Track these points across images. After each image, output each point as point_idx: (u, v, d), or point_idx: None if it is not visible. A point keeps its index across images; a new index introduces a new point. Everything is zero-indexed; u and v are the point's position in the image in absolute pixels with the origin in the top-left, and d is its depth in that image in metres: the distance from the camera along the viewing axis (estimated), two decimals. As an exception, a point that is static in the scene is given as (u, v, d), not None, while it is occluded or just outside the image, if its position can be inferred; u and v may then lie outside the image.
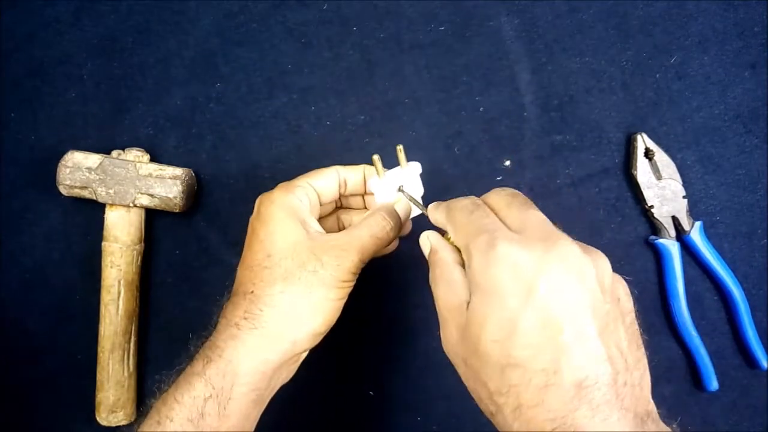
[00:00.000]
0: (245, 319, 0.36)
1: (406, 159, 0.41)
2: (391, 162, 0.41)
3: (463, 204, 0.34)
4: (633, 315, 0.30)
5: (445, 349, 0.33)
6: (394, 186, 0.42)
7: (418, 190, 0.43)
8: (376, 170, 0.41)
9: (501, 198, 0.33)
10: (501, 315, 0.28)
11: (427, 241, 0.36)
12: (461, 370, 0.32)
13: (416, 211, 0.43)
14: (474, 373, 0.30)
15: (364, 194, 0.45)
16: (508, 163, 0.51)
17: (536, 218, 0.31)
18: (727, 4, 0.51)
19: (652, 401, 0.29)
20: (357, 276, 0.39)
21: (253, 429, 0.38)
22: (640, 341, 0.30)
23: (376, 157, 0.39)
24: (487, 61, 0.51)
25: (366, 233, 0.39)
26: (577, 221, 0.51)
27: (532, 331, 0.27)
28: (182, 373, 0.37)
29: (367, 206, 0.46)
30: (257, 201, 0.41)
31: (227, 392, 0.35)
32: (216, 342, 0.37)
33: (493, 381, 0.29)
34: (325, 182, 0.42)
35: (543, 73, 0.51)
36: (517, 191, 0.34)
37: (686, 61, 0.51)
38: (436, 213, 0.36)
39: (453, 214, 0.34)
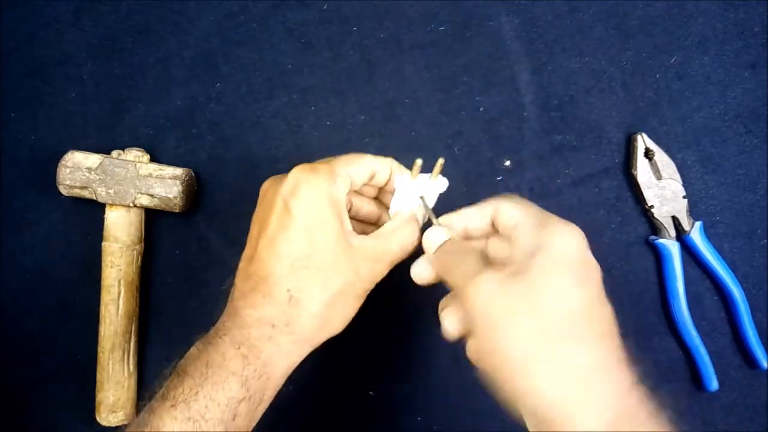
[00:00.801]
0: (284, 322, 0.35)
1: (441, 173, 0.40)
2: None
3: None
4: None
5: (478, 312, 0.33)
6: (417, 192, 0.41)
7: (432, 205, 0.42)
8: (412, 172, 0.40)
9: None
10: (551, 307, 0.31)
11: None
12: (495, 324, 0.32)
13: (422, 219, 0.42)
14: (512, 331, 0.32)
15: (382, 187, 0.43)
16: (508, 163, 0.51)
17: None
18: (727, 4, 0.51)
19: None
20: None
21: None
22: None
23: (419, 162, 0.39)
24: (487, 61, 0.51)
25: (397, 246, 0.38)
26: (577, 221, 0.51)
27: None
28: (212, 366, 0.34)
29: (379, 197, 0.44)
30: (293, 176, 0.37)
31: (260, 395, 0.35)
32: (250, 339, 0.35)
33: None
34: (360, 172, 0.39)
35: (543, 73, 0.51)
36: None
37: (686, 61, 0.51)
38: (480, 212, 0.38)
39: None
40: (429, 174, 0.40)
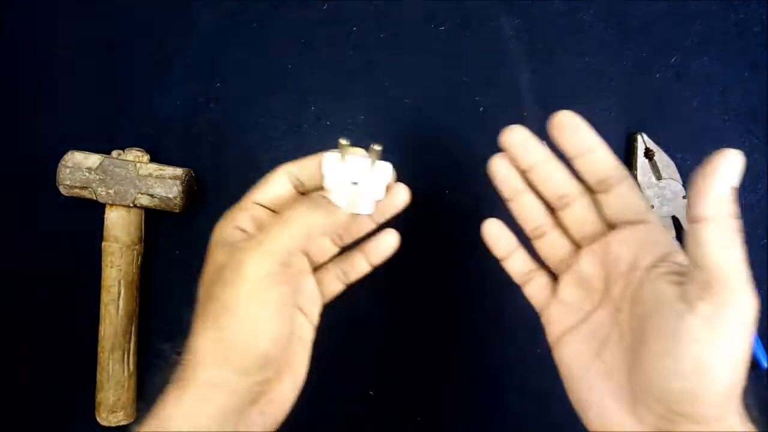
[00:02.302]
0: (182, 377, 0.34)
1: (379, 158, 0.34)
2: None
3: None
4: None
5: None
6: (351, 177, 0.34)
7: (376, 194, 0.36)
8: (341, 151, 0.33)
9: None
10: None
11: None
12: None
13: (368, 210, 0.36)
14: None
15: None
16: (508, 163, 0.51)
17: None
18: (727, 4, 0.51)
19: None
20: (322, 305, 0.38)
21: None
22: None
23: (343, 140, 0.33)
24: (487, 61, 0.51)
25: (286, 233, 0.32)
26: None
27: None
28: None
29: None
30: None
31: None
32: (167, 399, 0.33)
33: None
34: (273, 189, 0.36)
35: (543, 73, 0.51)
36: None
37: (686, 61, 0.51)
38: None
39: None
40: (367, 159, 0.35)
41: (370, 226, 0.40)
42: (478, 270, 0.52)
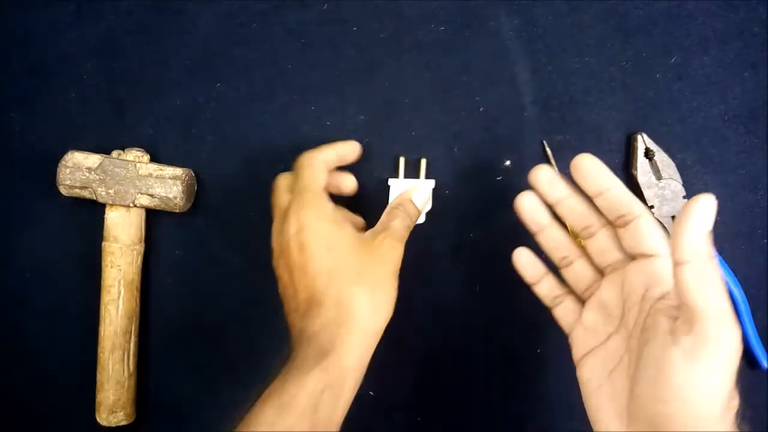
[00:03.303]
0: (338, 323, 0.38)
1: (425, 174, 0.48)
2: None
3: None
4: None
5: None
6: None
7: (427, 204, 0.48)
8: (398, 170, 0.49)
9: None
10: None
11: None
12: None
13: (419, 221, 0.48)
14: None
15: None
16: (508, 163, 0.51)
17: None
18: (727, 4, 0.51)
19: None
20: None
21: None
22: None
23: (401, 159, 0.48)
24: (487, 61, 0.51)
25: (401, 225, 0.43)
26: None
27: None
28: (295, 366, 0.38)
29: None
30: (293, 216, 0.41)
31: (340, 387, 0.38)
32: (321, 343, 0.38)
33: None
34: (330, 160, 0.45)
35: (543, 73, 0.51)
36: None
37: (686, 61, 0.51)
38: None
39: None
40: (418, 179, 0.48)
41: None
42: (477, 270, 0.52)
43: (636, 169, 0.50)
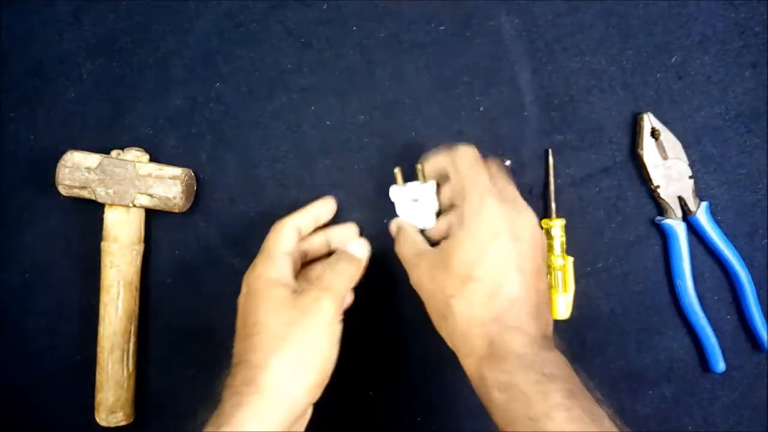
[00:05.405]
0: (246, 385, 0.38)
1: (424, 177, 0.46)
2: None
3: (468, 155, 0.43)
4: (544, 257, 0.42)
5: (416, 284, 0.43)
6: (411, 197, 0.47)
7: (433, 205, 0.47)
8: (396, 179, 0.47)
9: (492, 165, 0.44)
10: (473, 244, 0.39)
11: (394, 224, 0.48)
12: (427, 290, 0.42)
13: (429, 223, 0.47)
14: (439, 285, 0.40)
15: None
16: (508, 163, 0.51)
17: (512, 190, 0.43)
18: (727, 3, 0.51)
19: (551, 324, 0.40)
20: (342, 321, 0.42)
21: None
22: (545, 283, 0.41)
23: (397, 170, 0.47)
24: (487, 61, 0.51)
25: (339, 282, 0.43)
26: (577, 221, 0.51)
27: (492, 260, 0.38)
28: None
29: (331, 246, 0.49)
30: (243, 281, 0.43)
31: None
32: (224, 410, 0.38)
33: (451, 288, 0.39)
34: (305, 223, 0.47)
35: (543, 72, 0.51)
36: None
37: (687, 60, 0.51)
38: (440, 157, 0.45)
39: (457, 162, 0.43)
40: (417, 182, 0.47)
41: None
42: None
43: (642, 149, 0.49)
